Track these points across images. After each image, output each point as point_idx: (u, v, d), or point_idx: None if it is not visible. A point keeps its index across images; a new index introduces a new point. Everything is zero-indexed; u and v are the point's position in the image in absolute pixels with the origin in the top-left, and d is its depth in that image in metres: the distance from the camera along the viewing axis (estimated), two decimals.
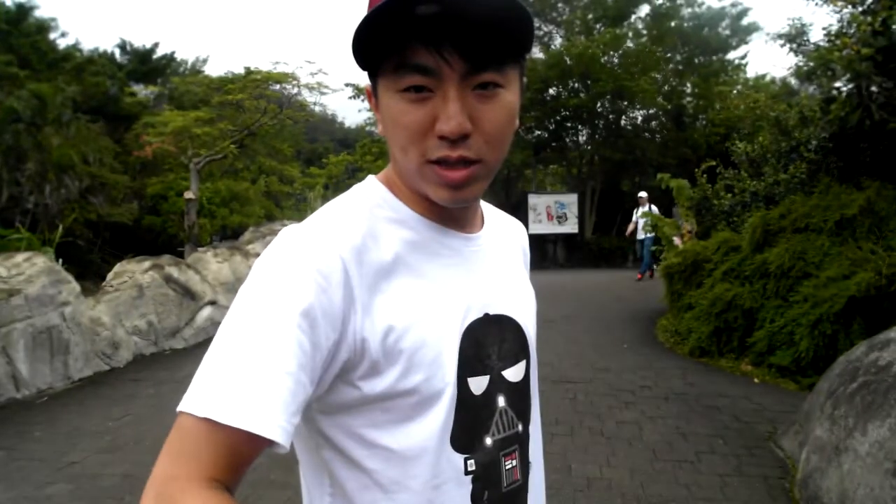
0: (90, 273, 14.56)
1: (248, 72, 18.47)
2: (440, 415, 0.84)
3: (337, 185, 25.46)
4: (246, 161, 21.33)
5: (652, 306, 9.86)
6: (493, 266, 0.98)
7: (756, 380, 6.03)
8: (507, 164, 24.21)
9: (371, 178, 0.95)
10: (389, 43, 0.77)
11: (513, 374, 0.95)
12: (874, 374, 3.38)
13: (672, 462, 4.04)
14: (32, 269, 6.49)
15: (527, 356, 0.99)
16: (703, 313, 7.02)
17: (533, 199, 22.10)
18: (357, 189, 0.94)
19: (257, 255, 7.66)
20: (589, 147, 24.17)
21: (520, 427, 0.95)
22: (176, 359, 7.57)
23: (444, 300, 0.88)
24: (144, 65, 22.74)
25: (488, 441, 0.89)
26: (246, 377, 0.74)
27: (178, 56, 26.47)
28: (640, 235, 13.51)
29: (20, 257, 6.67)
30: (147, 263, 8.37)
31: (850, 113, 6.73)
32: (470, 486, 0.87)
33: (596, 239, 22.55)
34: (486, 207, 1.06)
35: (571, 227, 21.91)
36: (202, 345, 8.36)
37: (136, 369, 7.09)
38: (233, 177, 21.65)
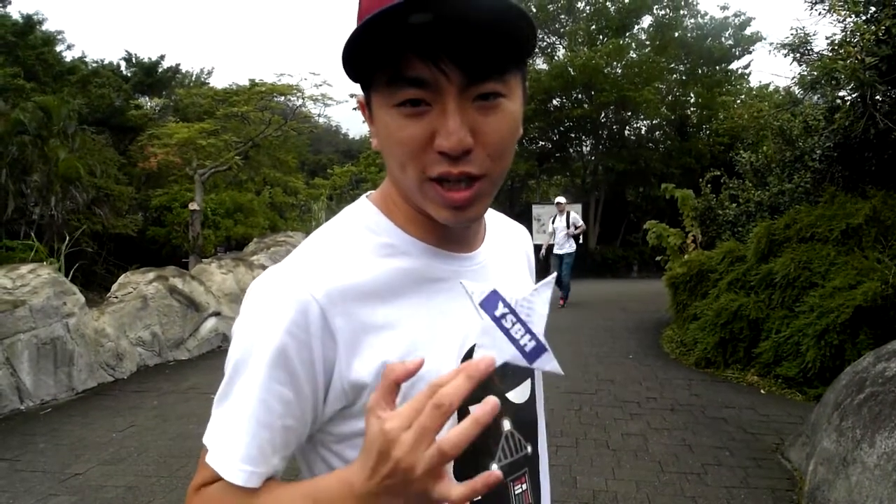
0: (95, 284, 14.59)
1: (253, 84, 18.55)
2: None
3: (341, 197, 25.52)
4: (250, 172, 21.40)
5: (657, 317, 9.83)
6: (494, 283, 0.80)
7: (762, 391, 6.00)
8: (511, 175, 24.22)
9: (363, 201, 0.91)
10: (382, 54, 0.71)
11: (517, 394, 0.91)
12: (881, 385, 3.35)
13: (678, 474, 4.01)
14: (37, 280, 6.50)
15: (530, 374, 0.94)
16: (708, 324, 6.99)
17: (537, 210, 22.09)
18: (347, 214, 0.90)
19: (262, 266, 7.74)
20: (593, 157, 24.19)
21: (528, 449, 0.92)
22: (180, 370, 7.56)
23: (441, 329, 0.83)
24: (150, 77, 22.87)
25: (494, 467, 0.78)
26: (230, 432, 0.80)
27: (184, 68, 26.60)
28: (559, 249, 11.61)
29: (25, 269, 6.68)
30: (151, 275, 8.38)
31: (855, 122, 6.72)
32: None
33: (600, 249, 22.51)
34: (489, 214, 0.98)
35: None
36: (206, 356, 8.35)
37: (140, 380, 7.08)
38: (237, 188, 21.71)
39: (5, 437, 5.12)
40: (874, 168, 7.07)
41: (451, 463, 0.67)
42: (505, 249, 1.01)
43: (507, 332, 0.70)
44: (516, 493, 0.89)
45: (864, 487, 2.96)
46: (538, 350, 0.71)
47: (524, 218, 22.58)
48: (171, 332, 8.09)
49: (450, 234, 0.86)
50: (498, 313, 0.71)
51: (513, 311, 0.71)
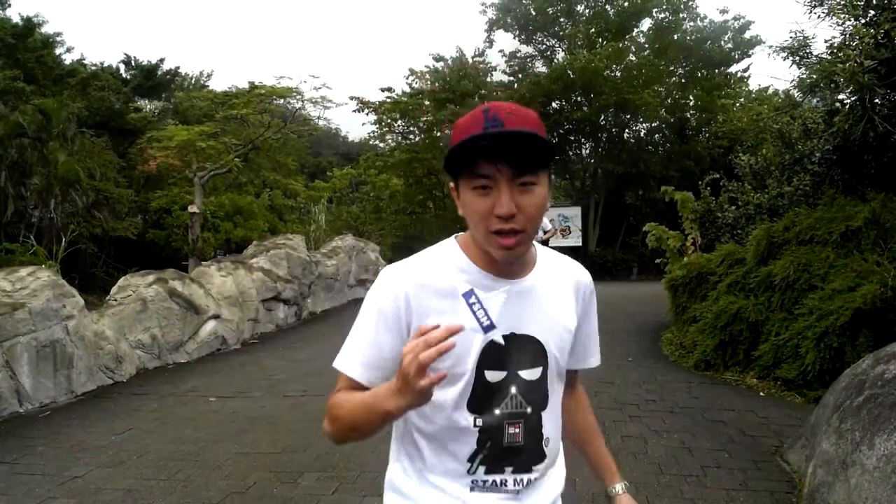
0: (94, 287, 14.59)
1: (253, 86, 18.57)
2: (458, 390, 1.30)
3: (341, 199, 25.52)
4: (250, 175, 21.42)
5: (657, 319, 9.83)
6: (531, 301, 1.35)
7: (762, 393, 6.00)
8: None
9: (452, 239, 1.40)
10: (467, 159, 1.20)
11: (528, 374, 1.34)
12: (881, 388, 3.35)
13: (677, 476, 4.01)
14: (36, 282, 6.50)
15: (544, 364, 1.36)
16: (707, 326, 6.99)
17: None
18: (442, 244, 1.40)
19: (261, 268, 7.70)
20: (592, 160, 24.23)
21: (528, 410, 1.34)
22: (179, 373, 7.55)
23: (470, 338, 1.28)
24: (149, 80, 22.90)
25: (497, 411, 1.32)
26: (348, 347, 1.36)
27: (183, 71, 26.58)
28: None
29: (24, 271, 6.68)
30: (151, 277, 8.38)
31: (854, 125, 6.72)
32: (477, 436, 1.32)
33: (600, 252, 22.52)
34: (552, 257, 1.45)
35: (575, 239, 21.90)
36: (205, 359, 8.35)
37: (140, 383, 7.08)
38: (237, 191, 21.72)
39: (4, 440, 5.12)
40: (873, 171, 7.07)
41: (466, 399, 1.29)
42: (554, 282, 1.41)
43: (474, 312, 1.29)
44: (510, 431, 1.33)
45: (863, 490, 2.96)
46: (490, 327, 1.29)
47: None
48: (170, 334, 8.09)
49: (503, 266, 1.32)
50: (471, 301, 1.30)
51: (479, 301, 1.30)
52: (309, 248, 12.95)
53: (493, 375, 1.31)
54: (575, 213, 22.08)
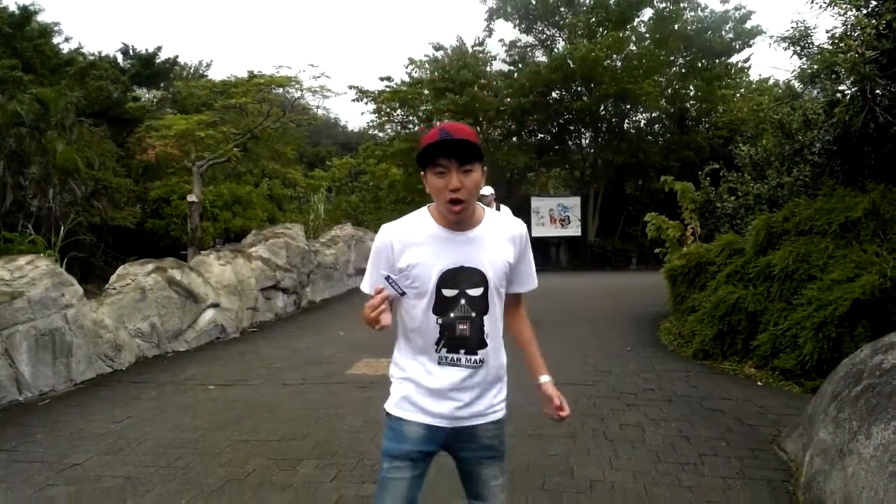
0: (93, 276, 14.58)
1: (251, 75, 18.52)
2: (426, 301, 2.02)
3: (340, 189, 25.49)
4: (249, 164, 21.38)
5: (655, 309, 9.84)
6: (476, 245, 2.04)
7: (759, 383, 6.01)
8: (510, 168, 24.20)
9: (425, 208, 2.10)
10: (431, 156, 1.94)
11: (473, 291, 2.04)
12: (879, 377, 3.36)
13: (675, 465, 4.02)
14: (35, 271, 6.49)
15: (485, 286, 2.04)
16: (706, 316, 7.00)
17: (536, 202, 22.09)
18: (418, 210, 2.11)
19: (260, 257, 7.68)
20: (592, 150, 24.16)
21: (473, 314, 2.04)
22: (178, 361, 7.56)
23: (437, 257, 2.02)
24: (147, 69, 22.80)
25: (451, 314, 2.03)
26: (366, 275, 2.14)
27: (182, 60, 26.50)
28: None
29: (23, 260, 6.68)
30: (150, 266, 8.38)
31: (855, 116, 6.71)
32: (440, 329, 2.03)
33: (599, 242, 22.51)
34: (496, 217, 2.14)
35: (574, 229, 21.88)
36: (204, 348, 8.36)
37: (139, 371, 7.09)
38: (236, 180, 21.68)
39: (4, 428, 5.12)
40: (873, 162, 7.06)
41: (432, 307, 2.03)
42: (494, 234, 2.10)
43: (393, 285, 1.95)
44: (460, 327, 2.03)
45: (860, 478, 2.97)
46: (402, 293, 1.98)
47: (523, 210, 22.57)
48: (169, 323, 8.09)
49: (454, 223, 2.02)
50: (390, 280, 1.95)
51: (393, 279, 1.96)
52: (308, 238, 12.96)
53: (448, 292, 2.02)
54: (574, 203, 22.05)
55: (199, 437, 4.77)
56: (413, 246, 2.02)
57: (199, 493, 3.75)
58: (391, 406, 2.14)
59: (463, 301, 2.03)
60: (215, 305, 8.95)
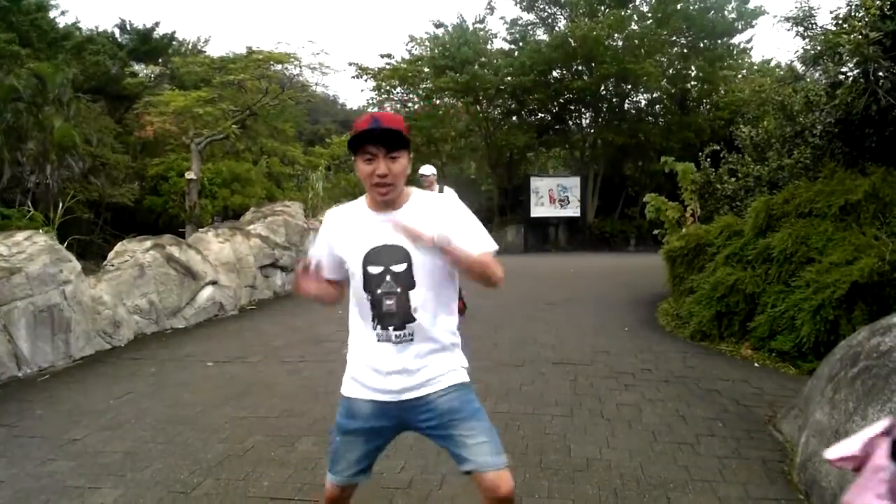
0: (91, 253, 14.55)
1: (250, 52, 18.34)
2: (358, 279, 2.16)
3: (339, 167, 25.39)
4: (247, 142, 21.25)
5: (654, 290, 9.86)
6: (405, 218, 2.05)
7: (756, 364, 6.03)
8: (510, 147, 24.08)
9: (362, 196, 2.24)
10: (360, 143, 2.05)
11: (397, 268, 2.12)
12: (875, 359, 3.37)
13: (671, 444, 4.05)
14: (33, 247, 6.48)
15: (408, 259, 2.11)
16: (704, 297, 7.01)
17: (535, 182, 22.04)
18: (358, 199, 2.26)
19: (259, 235, 7.67)
20: (592, 130, 24.06)
21: (398, 289, 2.12)
22: (177, 338, 7.58)
23: (364, 238, 2.14)
24: (145, 44, 22.58)
25: (378, 291, 2.13)
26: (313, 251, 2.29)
27: (179, 36, 26.31)
28: None
29: (21, 236, 6.66)
30: (148, 243, 8.37)
31: (857, 98, 6.67)
32: (370, 304, 2.15)
33: (598, 222, 22.50)
34: (425, 197, 2.25)
35: (573, 210, 21.86)
36: (203, 325, 8.37)
37: (137, 348, 7.10)
38: (234, 157, 21.56)
39: (3, 404, 5.15)
40: (874, 145, 7.03)
41: (361, 285, 2.16)
42: (421, 210, 2.15)
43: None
44: (387, 303, 2.12)
45: None
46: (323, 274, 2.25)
47: (523, 190, 22.53)
48: (168, 300, 8.10)
49: (382, 205, 2.16)
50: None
51: (318, 261, 2.20)
52: (307, 216, 12.92)
53: (373, 269, 2.13)
54: (574, 183, 22.00)
55: (197, 414, 4.79)
56: (347, 229, 2.20)
57: (198, 469, 3.78)
58: (343, 387, 2.29)
59: (388, 277, 2.12)
60: (214, 283, 8.95)
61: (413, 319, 2.13)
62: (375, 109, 27.04)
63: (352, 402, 2.24)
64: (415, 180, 6.98)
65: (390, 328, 2.13)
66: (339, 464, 2.28)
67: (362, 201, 2.22)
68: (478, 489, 2.15)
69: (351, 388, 2.25)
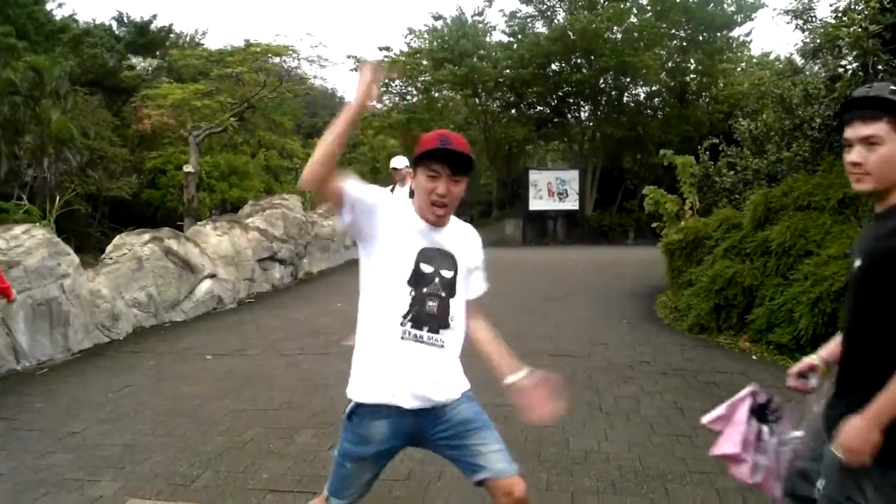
0: (89, 247, 14.54)
1: (248, 44, 18.30)
2: (404, 271, 2.08)
3: (339, 160, 25.35)
4: (245, 135, 21.23)
5: (652, 283, 9.87)
6: (449, 237, 2.17)
7: (754, 356, 6.05)
8: (509, 140, 24.05)
9: (408, 201, 2.20)
10: (427, 159, 2.07)
11: (445, 273, 2.13)
12: None
13: (669, 436, 4.06)
14: (31, 241, 6.47)
15: (455, 269, 2.15)
16: (702, 290, 7.01)
17: (534, 175, 22.00)
18: (406, 199, 2.26)
19: (257, 228, 7.65)
20: (591, 123, 24.02)
21: (443, 294, 2.12)
22: (175, 331, 7.58)
23: (417, 234, 2.12)
24: (142, 37, 22.53)
25: (424, 290, 2.09)
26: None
27: (177, 28, 26.20)
28: None
29: (19, 229, 6.65)
30: (146, 236, 8.36)
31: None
32: (410, 300, 2.07)
33: (597, 216, 22.48)
34: (457, 222, 2.24)
35: (572, 203, 21.83)
36: (202, 318, 8.38)
37: (136, 341, 7.11)
38: (232, 150, 21.54)
39: (2, 397, 5.15)
40: None
41: (406, 279, 2.08)
42: (462, 234, 2.24)
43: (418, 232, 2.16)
44: (429, 304, 2.09)
45: None
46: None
47: (521, 183, 22.50)
48: (166, 293, 8.10)
49: (432, 222, 2.13)
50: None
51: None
52: (305, 209, 12.91)
53: (425, 267, 2.10)
54: (572, 176, 21.96)
55: (196, 406, 4.80)
56: (400, 216, 2.13)
57: (198, 461, 3.78)
58: (357, 391, 2.13)
59: (437, 280, 2.11)
60: (212, 276, 8.95)
61: (448, 327, 2.13)
62: (376, 100, 27.01)
63: (366, 426, 2.12)
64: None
65: (425, 329, 2.08)
66: (350, 489, 2.20)
67: (410, 205, 2.17)
68: (492, 494, 2.14)
69: (368, 393, 2.11)
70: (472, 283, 2.25)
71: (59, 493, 3.42)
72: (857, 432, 1.72)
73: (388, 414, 2.09)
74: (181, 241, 8.79)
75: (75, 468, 3.74)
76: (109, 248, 8.18)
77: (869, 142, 1.78)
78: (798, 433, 2.20)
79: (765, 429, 2.18)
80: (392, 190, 6.89)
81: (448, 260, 2.14)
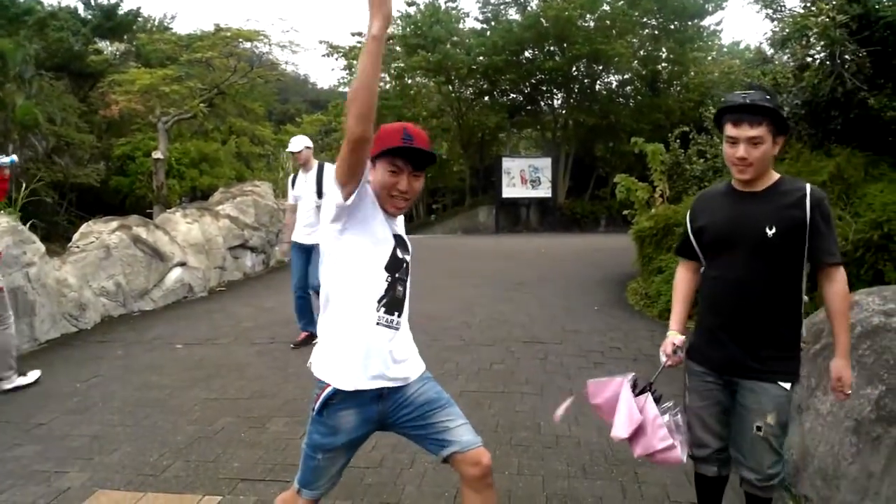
0: (56, 235, 14.28)
1: (218, 29, 18.02)
2: (384, 256, 2.13)
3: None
4: (216, 121, 20.94)
5: (623, 270, 9.96)
6: (398, 224, 2.22)
7: None
8: (482, 128, 24.04)
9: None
10: (389, 155, 2.07)
11: (407, 257, 2.20)
12: None
13: None
14: None
15: (408, 252, 2.23)
16: (672, 277, 7.06)
17: (507, 163, 22.05)
18: None
19: (228, 216, 7.52)
20: (563, 111, 24.11)
21: (406, 278, 2.20)
22: (145, 320, 7.48)
23: (389, 228, 2.17)
24: (109, 20, 22.03)
25: (396, 275, 2.15)
26: None
27: (145, 12, 25.71)
28: (305, 237, 6.49)
29: None
30: (114, 224, 8.23)
31: (823, 80, 6.75)
32: (386, 285, 2.12)
33: (569, 203, 22.62)
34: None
35: (545, 191, 21.93)
36: (171, 307, 8.27)
37: (104, 331, 7.00)
38: (203, 137, 21.25)
39: None
40: (840, 127, 7.13)
41: (384, 264, 2.13)
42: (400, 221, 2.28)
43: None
44: (399, 288, 2.15)
45: (816, 434, 3.07)
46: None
47: (494, 171, 22.53)
48: (135, 282, 7.98)
49: (391, 214, 2.17)
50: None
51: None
52: (276, 196, 12.80)
53: (401, 252, 2.17)
54: (545, 164, 22.05)
55: (166, 396, 4.75)
56: (374, 207, 2.12)
57: (168, 451, 3.75)
58: (335, 377, 2.10)
59: (405, 265, 2.20)
60: (182, 264, 8.83)
61: (404, 310, 2.22)
62: (349, 87, 26.80)
63: (335, 417, 2.12)
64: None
65: (395, 314, 2.15)
66: (321, 480, 2.23)
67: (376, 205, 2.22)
68: (459, 468, 2.19)
69: (351, 378, 2.10)
70: None
71: (27, 485, 3.37)
72: (847, 370, 2.33)
73: (360, 402, 2.12)
74: (150, 228, 8.67)
75: (42, 460, 3.68)
76: (76, 236, 8.03)
77: (753, 141, 2.26)
78: (669, 403, 2.67)
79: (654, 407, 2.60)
80: (294, 178, 6.27)
81: (404, 245, 2.22)
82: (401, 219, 2.27)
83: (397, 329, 2.17)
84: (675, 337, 2.62)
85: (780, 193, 2.34)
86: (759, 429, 2.35)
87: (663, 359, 2.63)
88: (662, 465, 2.63)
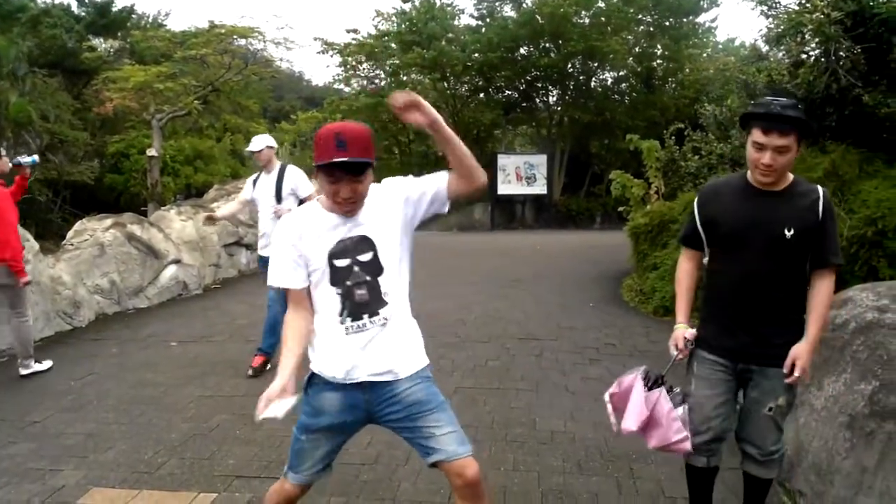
0: (50, 233, 14.24)
1: (212, 25, 17.96)
2: (322, 275, 2.13)
3: (305, 143, 25.12)
4: (210, 118, 20.88)
5: (618, 266, 9.97)
6: (365, 217, 2.14)
7: None
8: (477, 125, 24.02)
9: (315, 200, 2.23)
10: (327, 168, 2.00)
11: (363, 257, 2.13)
12: (831, 332, 3.45)
13: None
14: None
15: (373, 248, 2.14)
16: (667, 273, 7.10)
17: (502, 160, 22.04)
18: (314, 201, 2.23)
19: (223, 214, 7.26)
20: (559, 108, 24.10)
21: (368, 277, 2.13)
22: (139, 318, 7.47)
23: (328, 237, 2.13)
24: (103, 17, 21.93)
25: (348, 283, 2.12)
26: (273, 268, 2.20)
27: (139, 9, 25.61)
28: (265, 251, 5.36)
29: None
30: (108, 221, 8.20)
31: (818, 77, 6.76)
32: (339, 297, 2.13)
33: (564, 200, 22.62)
34: (372, 192, 2.14)
35: (540, 187, 21.92)
36: (166, 304, 8.26)
37: (99, 329, 6.98)
38: (197, 134, 21.19)
39: None
40: (834, 124, 7.14)
41: (328, 279, 2.13)
42: (374, 206, 2.15)
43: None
44: (358, 293, 2.12)
45: (811, 428, 3.07)
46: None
47: (489, 167, 22.52)
48: (129, 280, 7.96)
49: (344, 213, 2.12)
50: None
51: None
52: None
53: (340, 262, 2.12)
54: (540, 160, 22.04)
55: (161, 394, 4.74)
56: (309, 228, 2.14)
57: (162, 448, 3.74)
58: (315, 364, 2.22)
59: (356, 268, 2.13)
60: (177, 262, 8.82)
61: (385, 304, 2.15)
62: (344, 84, 26.70)
63: (319, 397, 2.20)
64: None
65: (365, 318, 2.13)
66: (305, 463, 2.26)
67: (318, 207, 2.19)
68: (446, 476, 2.16)
69: (322, 367, 2.19)
70: (432, 189, 2.19)
71: (21, 483, 3.36)
72: (806, 354, 2.37)
73: (342, 386, 2.17)
74: (145, 226, 8.64)
75: (37, 457, 3.67)
76: (70, 233, 8.01)
77: (780, 150, 2.30)
78: (677, 389, 2.68)
79: (666, 396, 2.63)
80: (257, 178, 5.63)
81: (362, 244, 2.14)
82: (372, 204, 2.16)
83: (380, 326, 2.15)
84: (685, 330, 2.65)
85: (798, 195, 2.41)
86: (770, 409, 2.48)
87: (674, 352, 2.67)
88: (674, 453, 2.70)
